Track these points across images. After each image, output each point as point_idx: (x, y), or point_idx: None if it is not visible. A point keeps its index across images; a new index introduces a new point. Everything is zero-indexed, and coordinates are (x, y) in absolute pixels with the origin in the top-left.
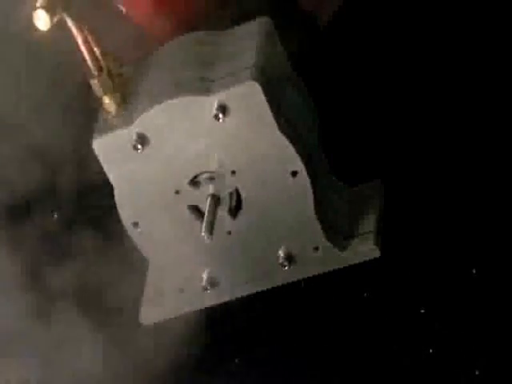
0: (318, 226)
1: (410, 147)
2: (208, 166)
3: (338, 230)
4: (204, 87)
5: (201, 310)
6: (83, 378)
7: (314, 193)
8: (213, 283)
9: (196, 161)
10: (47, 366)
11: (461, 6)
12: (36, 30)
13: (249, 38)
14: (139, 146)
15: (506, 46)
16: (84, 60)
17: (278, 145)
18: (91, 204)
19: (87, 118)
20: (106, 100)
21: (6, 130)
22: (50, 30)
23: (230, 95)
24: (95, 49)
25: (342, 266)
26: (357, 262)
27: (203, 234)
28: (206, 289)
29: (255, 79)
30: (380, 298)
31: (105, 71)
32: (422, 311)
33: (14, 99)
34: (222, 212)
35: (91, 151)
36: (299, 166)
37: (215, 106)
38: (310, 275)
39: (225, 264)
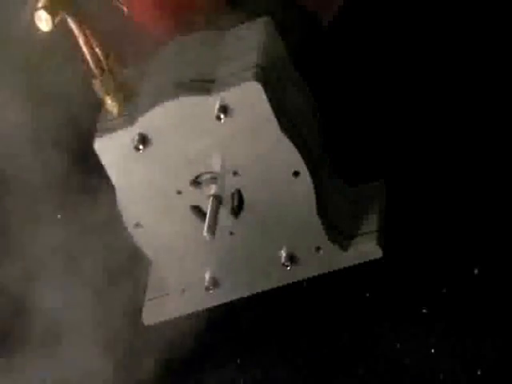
0: (320, 226)
1: (412, 147)
2: (210, 167)
3: (340, 230)
4: (205, 87)
5: (203, 310)
6: (83, 377)
7: (316, 193)
8: (215, 283)
9: (198, 161)
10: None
11: (461, 5)
12: (38, 30)
13: (250, 38)
14: (141, 147)
15: (506, 46)
16: (86, 60)
17: (280, 145)
18: None
19: None
20: (108, 100)
21: None
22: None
23: (231, 95)
24: (97, 49)
25: (344, 266)
26: (359, 262)
27: (205, 234)
28: (209, 289)
29: (257, 79)
30: (382, 298)
31: (106, 72)
32: (424, 311)
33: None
34: (224, 212)
35: None
36: (301, 166)
37: (217, 106)
38: (312, 275)
39: (227, 264)
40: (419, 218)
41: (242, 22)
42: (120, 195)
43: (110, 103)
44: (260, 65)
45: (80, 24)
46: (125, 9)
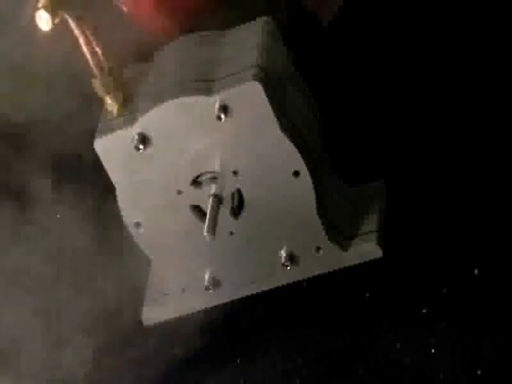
0: (320, 226)
1: (412, 147)
2: (210, 167)
3: (340, 230)
4: (206, 87)
5: (203, 310)
6: (83, 377)
7: (316, 193)
8: (215, 283)
9: (198, 161)
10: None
11: (461, 5)
12: (38, 30)
13: (250, 38)
14: (141, 147)
15: (506, 46)
16: (86, 60)
17: (280, 145)
18: None
19: None
20: (108, 100)
21: None
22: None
23: (231, 95)
24: (97, 49)
25: (344, 266)
26: (359, 262)
27: (205, 234)
28: (208, 289)
29: (257, 79)
30: (382, 298)
31: (106, 71)
32: (424, 311)
33: None
34: (224, 212)
35: None
36: (301, 165)
37: (217, 106)
38: (312, 275)
39: (227, 264)
40: (419, 218)
41: (239, 23)
42: (120, 195)
43: (110, 103)
44: (260, 65)
45: (80, 24)
46: (125, 9)
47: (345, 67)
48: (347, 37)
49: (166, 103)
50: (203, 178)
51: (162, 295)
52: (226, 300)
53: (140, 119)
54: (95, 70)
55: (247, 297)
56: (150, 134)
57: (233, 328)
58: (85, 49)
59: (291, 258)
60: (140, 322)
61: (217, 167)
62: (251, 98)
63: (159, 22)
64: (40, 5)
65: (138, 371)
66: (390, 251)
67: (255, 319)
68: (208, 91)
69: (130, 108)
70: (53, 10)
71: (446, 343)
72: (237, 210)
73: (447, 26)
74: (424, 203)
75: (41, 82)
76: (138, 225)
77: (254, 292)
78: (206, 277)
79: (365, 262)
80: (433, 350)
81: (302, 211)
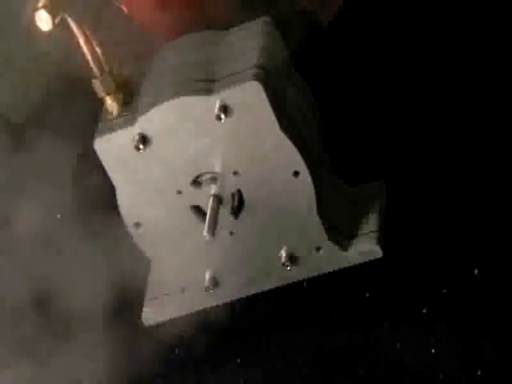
0: (321, 226)
1: (412, 147)
2: (210, 167)
3: (340, 230)
4: (206, 87)
5: (203, 310)
6: (83, 377)
7: (317, 193)
8: (215, 283)
9: (198, 161)
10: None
11: (461, 5)
12: (38, 30)
13: (250, 38)
14: (141, 147)
15: (506, 46)
16: (86, 60)
17: (280, 145)
18: None
19: None
20: (108, 100)
21: None
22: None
23: (231, 95)
24: (97, 49)
25: (344, 266)
26: (359, 262)
27: (205, 234)
28: (208, 289)
29: (257, 79)
30: (382, 298)
31: (107, 71)
32: (424, 311)
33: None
34: (224, 212)
35: None
36: (301, 165)
37: (217, 106)
38: (312, 275)
39: (227, 264)
40: (419, 218)
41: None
42: (120, 195)
43: (110, 103)
44: (260, 65)
45: (80, 24)
46: (125, 9)
47: (344, 67)
48: (347, 37)
49: (166, 103)
50: (203, 178)
51: (161, 295)
52: (225, 300)
53: (140, 119)
54: (95, 70)
55: (247, 297)
56: (150, 134)
57: (233, 328)
58: (85, 49)
59: (291, 258)
60: (140, 322)
61: (217, 167)
62: (251, 97)
63: (159, 22)
64: (40, 5)
65: (138, 371)
66: (390, 251)
67: (255, 319)
68: (208, 91)
69: (130, 108)
70: (53, 10)
71: (446, 343)
72: (237, 210)
73: (447, 26)
74: (424, 203)
75: None
76: (137, 225)
77: (254, 292)
78: (206, 277)
79: (365, 262)
80: (433, 350)
81: (302, 211)
